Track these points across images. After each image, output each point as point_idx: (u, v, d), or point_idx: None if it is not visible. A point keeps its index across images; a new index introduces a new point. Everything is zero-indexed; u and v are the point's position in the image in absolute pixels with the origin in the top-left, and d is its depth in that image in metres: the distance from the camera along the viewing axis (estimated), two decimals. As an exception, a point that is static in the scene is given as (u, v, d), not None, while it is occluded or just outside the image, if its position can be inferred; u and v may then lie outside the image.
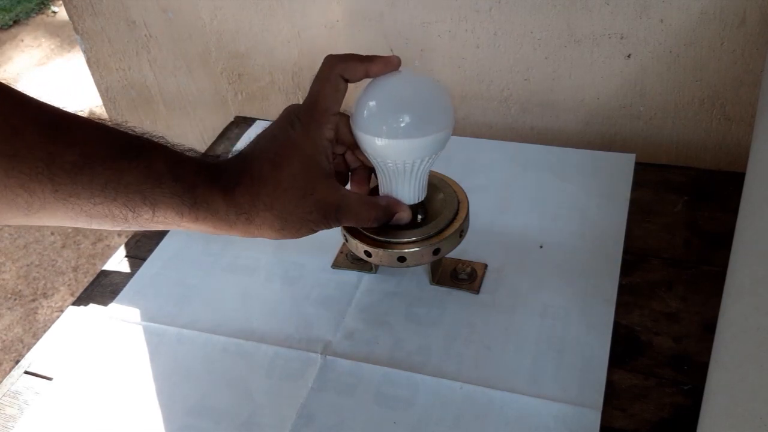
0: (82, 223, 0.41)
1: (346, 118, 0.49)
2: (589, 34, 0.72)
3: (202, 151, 0.85)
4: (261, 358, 0.56)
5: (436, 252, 0.53)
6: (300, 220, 0.45)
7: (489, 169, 0.72)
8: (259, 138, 0.47)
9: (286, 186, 0.45)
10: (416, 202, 0.53)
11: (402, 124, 0.47)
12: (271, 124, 0.48)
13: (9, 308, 1.68)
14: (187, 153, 0.44)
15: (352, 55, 0.47)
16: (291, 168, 0.45)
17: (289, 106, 0.48)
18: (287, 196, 0.45)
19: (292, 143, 0.46)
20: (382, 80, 0.48)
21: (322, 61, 0.48)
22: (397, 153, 0.49)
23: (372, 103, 0.48)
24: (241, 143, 0.83)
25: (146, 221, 0.42)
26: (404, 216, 0.52)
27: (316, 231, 0.47)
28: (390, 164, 0.50)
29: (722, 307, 0.50)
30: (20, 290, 1.73)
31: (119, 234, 1.83)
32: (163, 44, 0.94)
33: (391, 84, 0.48)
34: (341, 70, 0.47)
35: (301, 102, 0.48)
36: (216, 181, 0.43)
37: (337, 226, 0.49)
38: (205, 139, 1.00)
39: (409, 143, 0.48)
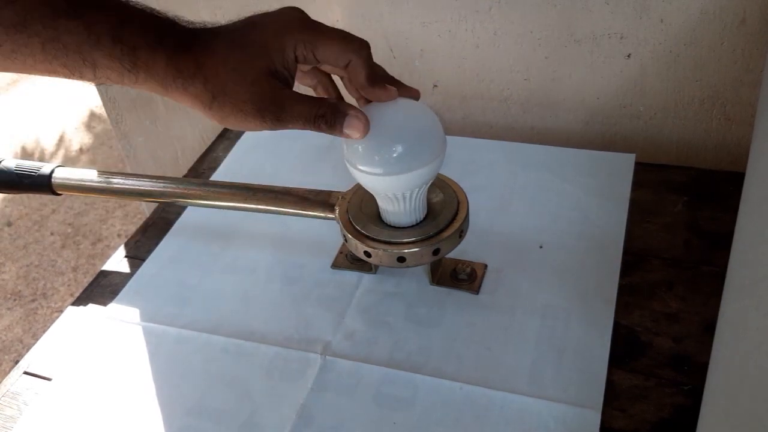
0: (34, 74, 0.41)
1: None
2: (589, 33, 0.72)
3: (201, 152, 0.85)
4: (261, 358, 0.56)
5: (435, 252, 0.53)
6: (231, 105, 0.43)
7: (489, 169, 0.72)
8: (244, 19, 0.46)
9: (231, 67, 0.43)
10: (415, 223, 0.54)
11: (393, 160, 0.48)
12: (267, 12, 0.47)
13: (9, 308, 1.68)
14: (140, 10, 0.43)
15: (374, 72, 0.47)
16: (244, 53, 0.44)
17: (294, 9, 0.47)
18: (227, 76, 0.43)
19: (262, 34, 0.45)
20: (373, 113, 0.48)
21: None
22: (389, 187, 0.49)
23: (362, 138, 0.47)
24: (241, 143, 0.83)
25: (90, 80, 0.42)
26: (357, 124, 0.46)
27: (248, 126, 0.44)
28: (382, 194, 0.51)
29: (722, 308, 0.50)
30: (20, 290, 1.73)
31: (119, 234, 1.83)
32: (162, 44, 0.94)
33: (382, 118, 0.48)
34: (355, 65, 0.46)
35: None
36: (162, 43, 0.42)
37: (280, 127, 0.45)
38: (205, 139, 1.00)
39: (402, 177, 0.48)
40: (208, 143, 0.86)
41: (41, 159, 2.17)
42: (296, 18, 0.46)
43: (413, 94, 0.49)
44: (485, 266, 0.61)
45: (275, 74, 0.44)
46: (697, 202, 0.66)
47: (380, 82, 0.47)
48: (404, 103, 0.49)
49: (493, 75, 0.79)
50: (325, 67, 0.49)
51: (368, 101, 0.49)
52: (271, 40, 0.44)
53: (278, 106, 0.44)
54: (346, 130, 0.45)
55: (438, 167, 0.50)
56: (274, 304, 0.61)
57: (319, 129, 0.45)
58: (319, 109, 0.45)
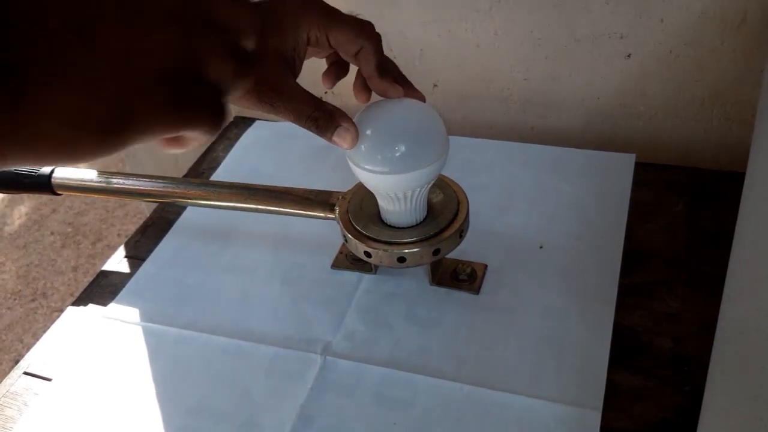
0: None
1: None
2: (589, 33, 0.72)
3: (201, 152, 0.85)
4: (260, 358, 0.56)
5: (435, 252, 0.53)
6: None
7: (489, 169, 0.72)
8: None
9: None
10: (416, 223, 0.54)
11: (396, 159, 0.47)
12: None
13: (9, 308, 1.68)
14: None
15: (384, 63, 0.47)
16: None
17: None
18: None
19: (277, 11, 0.44)
20: (378, 111, 0.48)
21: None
22: (391, 186, 0.49)
23: (365, 136, 0.48)
24: (241, 143, 0.83)
25: None
26: (346, 135, 0.45)
27: (242, 103, 0.42)
28: (383, 194, 0.51)
29: (722, 308, 0.50)
30: (20, 290, 1.73)
31: (119, 234, 1.83)
32: (162, 44, 0.94)
33: (386, 117, 0.48)
34: (366, 53, 0.46)
35: None
36: None
37: (272, 113, 0.43)
38: (205, 139, 1.00)
39: (404, 177, 0.48)
40: (208, 143, 0.86)
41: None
42: (314, 0, 0.45)
43: (418, 96, 0.49)
44: (485, 266, 0.61)
45: (283, 56, 0.44)
46: (697, 202, 0.66)
47: (389, 75, 0.47)
48: (408, 103, 0.49)
49: (493, 75, 0.79)
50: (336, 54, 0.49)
51: (369, 94, 0.49)
52: (286, 18, 0.44)
53: (277, 94, 0.43)
54: (335, 138, 0.45)
55: (440, 168, 0.50)
56: (274, 304, 0.61)
57: (308, 128, 0.45)
58: (314, 111, 0.44)
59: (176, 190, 0.63)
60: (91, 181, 0.64)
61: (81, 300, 0.65)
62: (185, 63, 0.26)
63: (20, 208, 1.98)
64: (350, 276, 0.62)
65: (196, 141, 0.29)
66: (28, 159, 0.24)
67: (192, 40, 0.26)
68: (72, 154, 0.24)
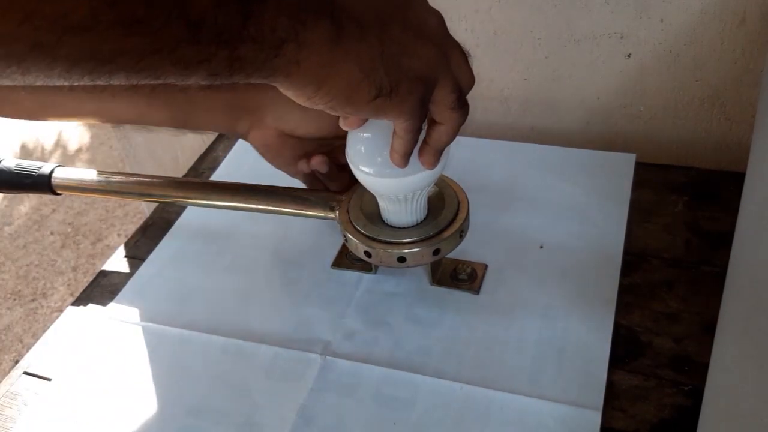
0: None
1: None
2: (589, 33, 0.72)
3: (201, 152, 0.85)
4: (260, 358, 0.56)
5: (436, 252, 0.53)
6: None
7: (489, 169, 0.72)
8: None
9: None
10: (416, 223, 0.54)
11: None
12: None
13: (8, 308, 1.68)
14: None
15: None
16: None
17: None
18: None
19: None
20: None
21: None
22: (391, 188, 0.49)
23: (365, 139, 0.47)
24: (241, 143, 0.82)
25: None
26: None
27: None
28: (383, 196, 0.51)
29: (722, 308, 0.50)
30: (20, 290, 1.73)
31: (119, 234, 1.83)
32: (162, 44, 0.94)
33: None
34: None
35: None
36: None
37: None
38: (205, 139, 1.00)
39: (405, 180, 0.48)
40: (208, 143, 0.86)
41: (41, 158, 2.17)
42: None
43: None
44: (485, 266, 0.61)
45: None
46: (697, 202, 0.66)
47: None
48: None
49: (493, 75, 0.79)
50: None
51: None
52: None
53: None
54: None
55: (441, 170, 0.50)
56: (273, 304, 0.61)
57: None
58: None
59: (176, 190, 0.63)
60: (91, 180, 0.64)
61: (81, 300, 0.65)
62: (431, 74, 0.37)
63: (20, 208, 1.98)
64: (350, 276, 0.62)
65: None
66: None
67: (440, 62, 0.38)
68: (340, 101, 0.35)
